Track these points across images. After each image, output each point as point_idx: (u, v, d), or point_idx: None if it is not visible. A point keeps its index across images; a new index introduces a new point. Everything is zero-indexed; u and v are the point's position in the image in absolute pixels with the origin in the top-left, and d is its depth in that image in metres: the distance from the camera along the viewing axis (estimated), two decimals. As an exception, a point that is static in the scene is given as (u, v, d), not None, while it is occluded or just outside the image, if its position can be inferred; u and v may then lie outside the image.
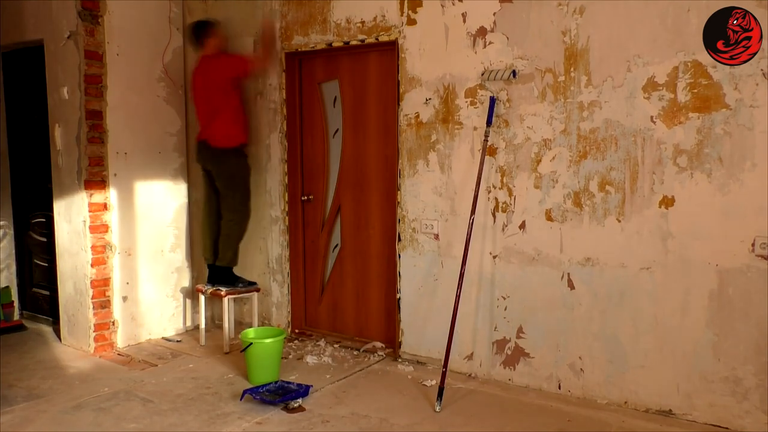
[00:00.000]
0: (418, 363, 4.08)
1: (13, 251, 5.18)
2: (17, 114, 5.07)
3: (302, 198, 4.71)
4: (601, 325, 3.43)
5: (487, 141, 3.64)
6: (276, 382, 3.69)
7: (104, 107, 4.30)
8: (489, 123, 3.63)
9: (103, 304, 4.34)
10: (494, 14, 3.64)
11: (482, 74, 3.68)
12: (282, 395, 3.47)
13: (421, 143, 3.99)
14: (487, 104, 3.71)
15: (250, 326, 4.60)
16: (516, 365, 3.72)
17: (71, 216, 4.34)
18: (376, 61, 4.30)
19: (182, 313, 4.87)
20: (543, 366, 3.60)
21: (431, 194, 3.97)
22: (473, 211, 3.62)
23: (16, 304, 5.11)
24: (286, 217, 4.67)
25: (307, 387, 3.59)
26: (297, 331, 4.70)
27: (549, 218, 3.56)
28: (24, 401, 3.50)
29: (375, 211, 4.38)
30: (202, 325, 4.58)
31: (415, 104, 3.99)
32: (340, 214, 4.59)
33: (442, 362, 3.53)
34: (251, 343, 3.69)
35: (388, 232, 4.28)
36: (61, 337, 4.55)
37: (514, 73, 3.55)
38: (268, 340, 3.74)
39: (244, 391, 3.46)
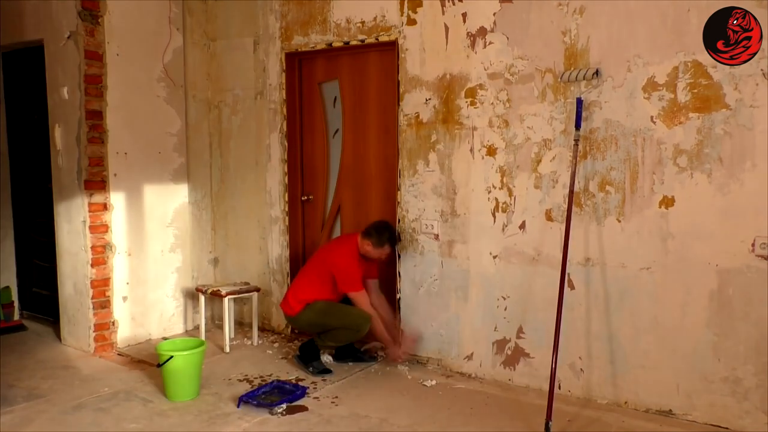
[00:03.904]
0: (418, 363, 4.08)
1: (14, 251, 5.18)
2: (17, 114, 5.07)
3: (302, 198, 4.71)
4: (601, 325, 3.43)
5: (578, 146, 3.34)
6: (272, 383, 3.69)
7: (104, 107, 4.30)
8: (578, 126, 3.33)
9: (103, 304, 4.34)
10: (494, 14, 3.64)
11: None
12: (279, 397, 3.48)
13: (421, 143, 3.99)
14: (487, 104, 3.71)
15: (251, 326, 4.61)
16: (516, 365, 3.72)
17: (71, 216, 4.33)
18: (376, 61, 4.30)
19: (182, 313, 4.87)
20: (543, 366, 3.59)
21: (431, 194, 3.97)
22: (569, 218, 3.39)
23: (16, 304, 5.11)
24: (286, 217, 4.67)
25: (304, 388, 3.60)
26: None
27: (549, 218, 3.56)
28: (24, 401, 3.50)
29: (375, 211, 4.38)
30: (202, 325, 4.58)
31: (415, 104, 3.99)
32: (340, 214, 4.59)
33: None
34: (171, 357, 3.44)
35: (388, 232, 4.28)
36: (61, 337, 4.55)
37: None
38: (185, 352, 3.50)
39: (240, 398, 3.43)
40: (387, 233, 3.93)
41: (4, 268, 5.09)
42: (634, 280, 3.31)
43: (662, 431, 3.12)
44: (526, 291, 3.65)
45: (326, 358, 4.08)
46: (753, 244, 2.98)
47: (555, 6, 3.44)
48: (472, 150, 3.79)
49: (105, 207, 4.33)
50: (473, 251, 3.83)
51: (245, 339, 4.63)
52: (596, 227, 3.41)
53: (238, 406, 3.41)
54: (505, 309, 3.74)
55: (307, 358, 3.96)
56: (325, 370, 3.91)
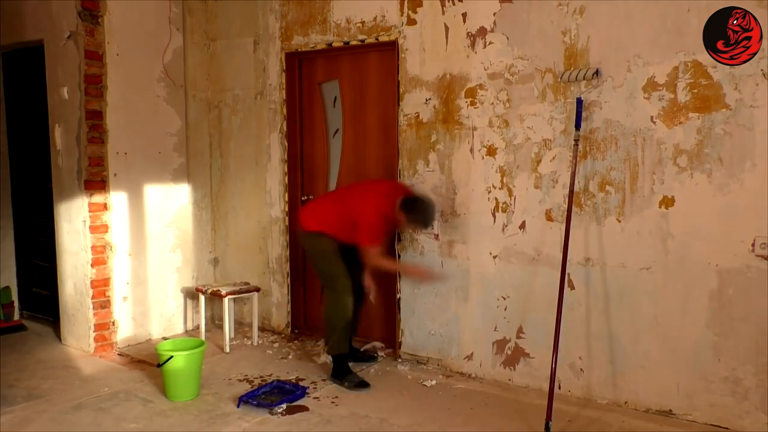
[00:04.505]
0: (418, 363, 4.08)
1: (13, 251, 5.18)
2: (17, 114, 5.07)
3: (302, 198, 4.71)
4: (601, 325, 3.43)
5: (578, 146, 3.34)
6: (272, 383, 3.69)
7: (104, 107, 4.30)
8: (578, 126, 3.33)
9: (103, 304, 4.34)
10: (494, 14, 3.64)
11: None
12: (279, 397, 3.48)
13: (421, 143, 3.99)
14: (487, 104, 3.71)
15: (251, 326, 4.61)
16: (516, 365, 3.72)
17: (71, 216, 4.34)
18: (376, 61, 4.30)
19: (182, 313, 4.87)
20: (543, 366, 3.59)
21: (431, 194, 3.96)
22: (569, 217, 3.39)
23: (16, 304, 5.11)
24: (286, 217, 4.67)
25: (304, 388, 3.60)
26: (297, 330, 4.70)
27: (549, 218, 3.56)
28: (24, 401, 3.50)
29: (375, 211, 4.38)
30: (203, 325, 4.58)
31: (415, 104, 3.99)
32: (340, 214, 4.58)
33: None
34: (171, 357, 3.44)
35: (388, 232, 4.27)
36: (61, 337, 4.55)
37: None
38: (185, 352, 3.50)
39: (240, 398, 3.44)
40: (427, 220, 3.65)
41: (4, 268, 5.09)
42: (634, 280, 3.31)
43: (662, 431, 3.12)
44: (526, 291, 3.65)
45: (325, 358, 4.08)
46: (753, 244, 2.99)
47: (555, 6, 3.44)
48: (472, 150, 3.79)
49: (105, 207, 4.33)
50: (473, 251, 3.83)
51: (245, 339, 4.63)
52: (596, 227, 3.41)
53: (238, 406, 3.41)
54: (505, 309, 3.74)
55: (340, 373, 3.77)
56: (362, 383, 3.71)
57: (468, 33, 3.75)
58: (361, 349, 4.22)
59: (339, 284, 3.76)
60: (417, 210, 3.62)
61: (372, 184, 4.01)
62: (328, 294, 3.83)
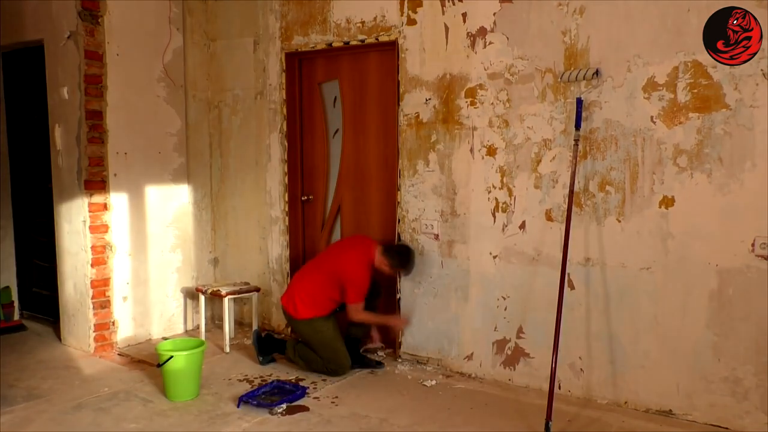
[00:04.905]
0: (417, 363, 4.08)
1: (14, 251, 5.18)
2: (17, 114, 5.07)
3: (302, 198, 4.71)
4: (601, 325, 3.43)
5: (578, 146, 3.34)
6: (272, 383, 3.69)
7: (104, 107, 4.30)
8: (578, 126, 3.33)
9: (103, 304, 4.34)
10: (494, 14, 3.64)
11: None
12: (279, 397, 3.48)
13: (421, 143, 3.99)
14: (487, 104, 3.71)
15: (251, 326, 4.61)
16: (516, 365, 3.72)
17: (71, 216, 4.34)
18: (376, 61, 4.30)
19: (182, 313, 4.87)
20: (543, 366, 3.59)
21: (431, 194, 3.97)
22: (568, 218, 3.36)
23: (16, 304, 5.11)
24: (286, 217, 4.67)
25: (304, 388, 3.60)
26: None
27: (549, 218, 3.56)
28: (24, 401, 3.50)
29: (375, 211, 4.38)
30: (203, 326, 4.58)
31: (415, 104, 3.99)
32: (340, 214, 4.59)
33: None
34: (171, 356, 3.45)
35: (388, 232, 4.28)
36: (61, 337, 4.55)
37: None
38: (185, 352, 3.50)
39: (240, 398, 3.43)
40: (410, 265, 3.92)
41: (4, 268, 5.09)
42: (634, 280, 3.31)
43: (662, 431, 3.12)
44: (526, 291, 3.65)
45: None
46: (753, 244, 2.99)
47: (555, 6, 3.44)
48: (472, 150, 3.79)
49: (105, 207, 4.33)
50: (473, 251, 3.83)
51: (245, 339, 4.63)
52: (596, 227, 3.41)
53: (238, 406, 3.41)
54: (505, 309, 3.74)
55: (264, 350, 4.11)
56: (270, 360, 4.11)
57: (468, 33, 3.74)
58: (361, 349, 4.21)
59: (339, 367, 3.87)
60: (399, 255, 3.89)
61: (352, 246, 4.02)
62: (322, 358, 3.88)
